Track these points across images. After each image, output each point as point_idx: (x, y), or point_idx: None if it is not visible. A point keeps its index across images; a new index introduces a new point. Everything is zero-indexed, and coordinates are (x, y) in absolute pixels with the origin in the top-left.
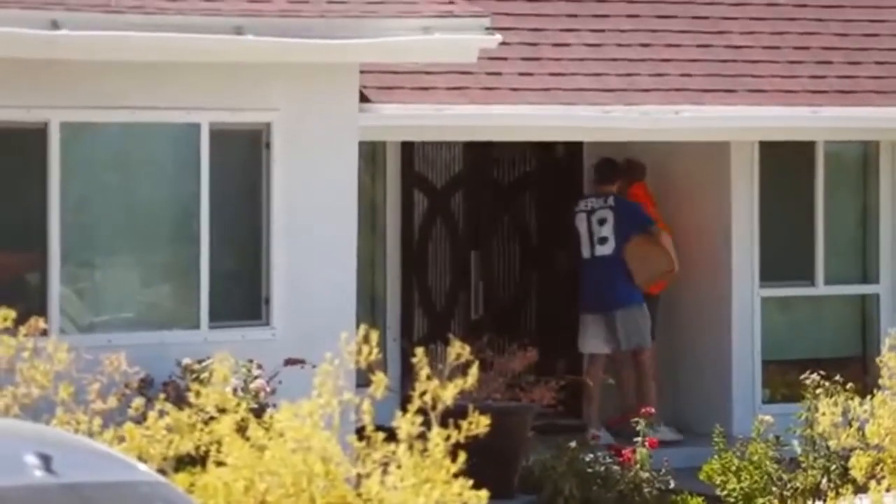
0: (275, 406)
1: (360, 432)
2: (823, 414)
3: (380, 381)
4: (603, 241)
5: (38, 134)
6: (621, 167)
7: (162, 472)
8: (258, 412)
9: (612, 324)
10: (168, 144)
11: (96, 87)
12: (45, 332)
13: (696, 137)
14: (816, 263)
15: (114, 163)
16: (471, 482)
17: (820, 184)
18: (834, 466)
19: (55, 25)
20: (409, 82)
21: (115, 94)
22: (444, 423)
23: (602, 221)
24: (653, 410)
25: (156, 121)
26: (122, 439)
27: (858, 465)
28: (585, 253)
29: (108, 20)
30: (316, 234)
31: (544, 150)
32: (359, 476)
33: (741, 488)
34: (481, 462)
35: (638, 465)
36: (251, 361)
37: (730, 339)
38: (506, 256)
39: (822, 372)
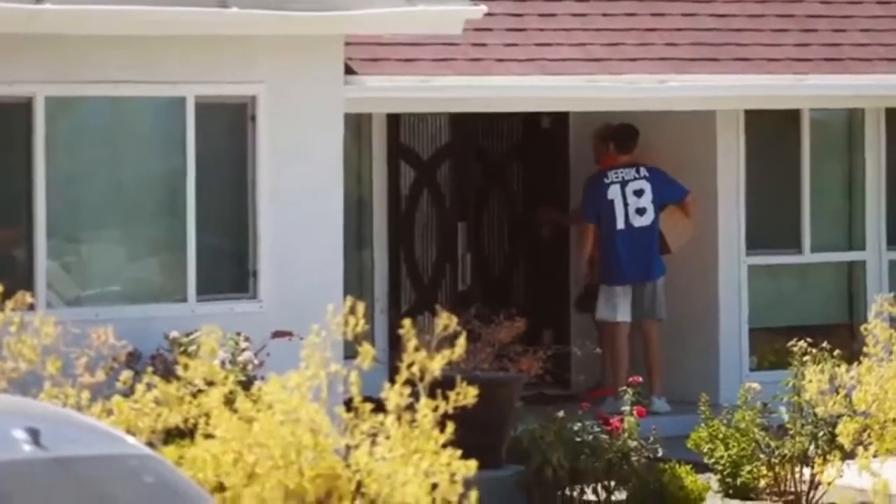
0: (263, 378)
1: (349, 404)
2: (810, 381)
3: (367, 352)
4: (641, 211)
5: (22, 108)
6: (625, 133)
7: (150, 444)
8: (246, 385)
9: (644, 293)
10: (154, 118)
11: (81, 61)
12: (31, 307)
13: (682, 107)
14: (803, 231)
15: (99, 137)
16: (459, 452)
17: (806, 151)
18: (821, 433)
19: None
20: (395, 54)
21: (100, 67)
22: (432, 394)
23: (639, 193)
24: (640, 380)
25: (141, 94)
26: (110, 413)
27: (845, 431)
28: (620, 224)
29: None
30: (302, 206)
31: (530, 121)
32: (347, 447)
33: (729, 456)
34: (469, 432)
35: (626, 434)
36: (239, 334)
37: (717, 308)
38: (493, 227)
39: (808, 339)
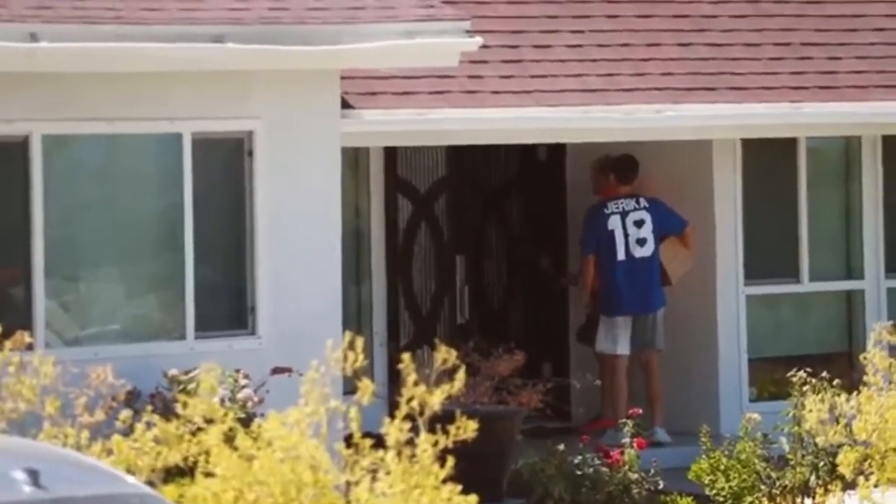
0: (262, 415)
1: (348, 440)
2: (810, 411)
3: (366, 387)
4: (642, 242)
5: (19, 147)
6: (626, 164)
7: (151, 484)
8: (246, 422)
9: (645, 324)
10: (150, 155)
11: (77, 98)
12: (30, 347)
13: (678, 136)
14: (801, 260)
15: (97, 174)
16: (460, 487)
17: (803, 180)
18: (822, 463)
19: (34, 38)
20: (391, 87)
21: (96, 105)
22: (431, 429)
23: (639, 223)
24: (640, 411)
25: (137, 132)
26: (110, 452)
27: (846, 461)
28: (620, 255)
29: (87, 31)
30: (300, 241)
31: (527, 153)
32: (348, 483)
33: (730, 487)
34: (470, 467)
35: (626, 467)
36: (238, 371)
37: (715, 338)
38: (491, 260)
39: (808, 369)
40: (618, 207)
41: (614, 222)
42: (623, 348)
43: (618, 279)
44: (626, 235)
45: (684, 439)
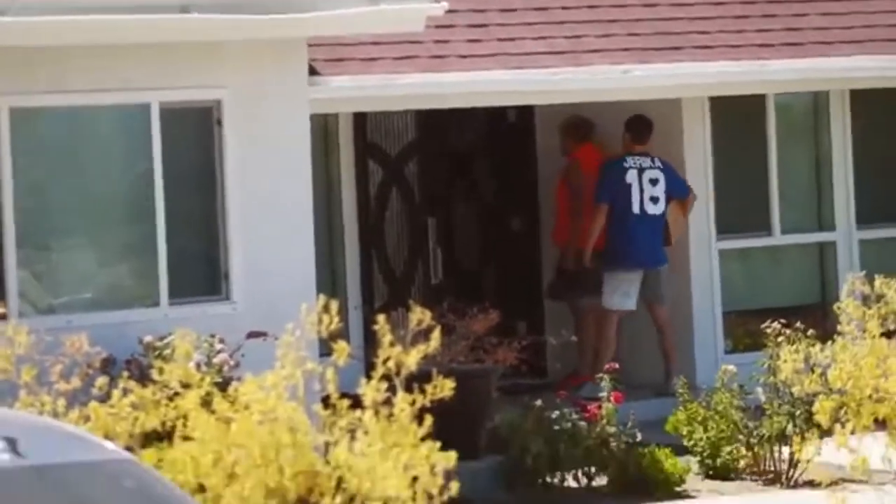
0: (239, 379)
1: (326, 401)
2: (785, 361)
3: (342, 349)
4: (655, 200)
5: None
6: (641, 123)
7: (129, 449)
8: (222, 386)
9: (655, 279)
10: (120, 125)
11: (45, 71)
12: (4, 317)
13: (646, 96)
14: (772, 214)
15: (66, 146)
16: (438, 445)
17: (772, 136)
18: (798, 412)
19: (0, 12)
20: (358, 53)
21: (64, 77)
22: (408, 388)
23: (654, 182)
24: (617, 366)
25: (106, 103)
26: (87, 419)
27: (822, 409)
28: (636, 208)
29: (54, 4)
30: (272, 207)
31: (496, 115)
32: (326, 444)
33: (708, 438)
34: (448, 425)
35: (604, 421)
36: (213, 336)
37: (689, 293)
38: (463, 222)
39: (782, 320)
40: (636, 163)
41: (632, 176)
42: (632, 304)
43: (632, 232)
44: (641, 191)
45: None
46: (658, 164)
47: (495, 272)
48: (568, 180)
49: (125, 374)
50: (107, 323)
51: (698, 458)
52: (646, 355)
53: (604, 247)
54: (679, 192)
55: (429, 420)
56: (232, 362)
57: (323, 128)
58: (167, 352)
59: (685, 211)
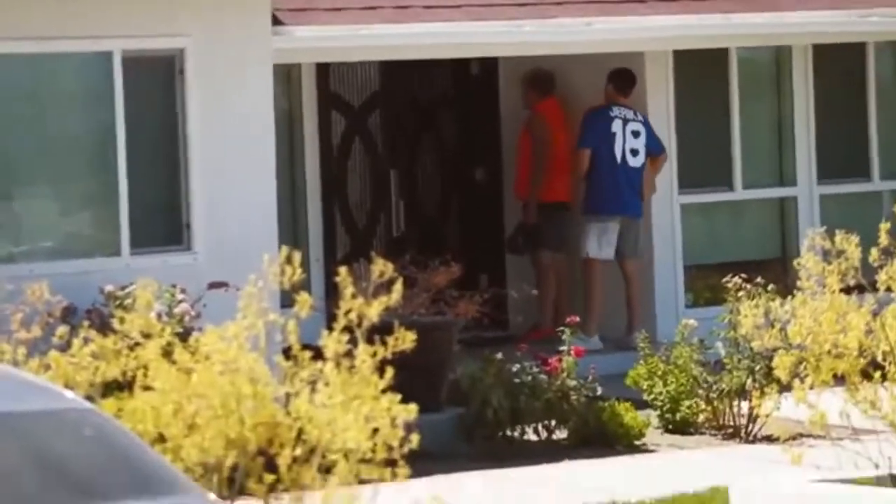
0: (200, 329)
1: (287, 352)
2: (746, 316)
3: (304, 300)
4: (635, 153)
5: None
6: (625, 76)
7: (89, 398)
8: (183, 336)
9: (633, 229)
10: (81, 73)
11: (5, 17)
12: None
13: (609, 49)
14: (734, 169)
15: (27, 94)
16: (399, 397)
17: (735, 90)
18: (758, 367)
19: None
20: (322, 3)
21: (25, 24)
22: (370, 340)
23: (636, 134)
24: (577, 319)
25: (68, 50)
26: (47, 367)
27: (782, 364)
28: (619, 157)
29: None
30: (234, 157)
31: (460, 68)
32: (287, 395)
33: (668, 392)
34: (409, 377)
35: (564, 374)
36: (174, 286)
37: (651, 246)
38: (426, 174)
39: (743, 275)
40: (620, 113)
41: (617, 125)
42: (612, 253)
43: (615, 180)
44: (624, 141)
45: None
46: (640, 117)
47: (458, 225)
48: (531, 133)
49: (86, 323)
50: (68, 272)
51: (658, 412)
52: (608, 311)
53: (568, 197)
54: (655, 148)
55: (390, 372)
56: (193, 312)
57: (286, 78)
58: (128, 301)
59: (655, 170)
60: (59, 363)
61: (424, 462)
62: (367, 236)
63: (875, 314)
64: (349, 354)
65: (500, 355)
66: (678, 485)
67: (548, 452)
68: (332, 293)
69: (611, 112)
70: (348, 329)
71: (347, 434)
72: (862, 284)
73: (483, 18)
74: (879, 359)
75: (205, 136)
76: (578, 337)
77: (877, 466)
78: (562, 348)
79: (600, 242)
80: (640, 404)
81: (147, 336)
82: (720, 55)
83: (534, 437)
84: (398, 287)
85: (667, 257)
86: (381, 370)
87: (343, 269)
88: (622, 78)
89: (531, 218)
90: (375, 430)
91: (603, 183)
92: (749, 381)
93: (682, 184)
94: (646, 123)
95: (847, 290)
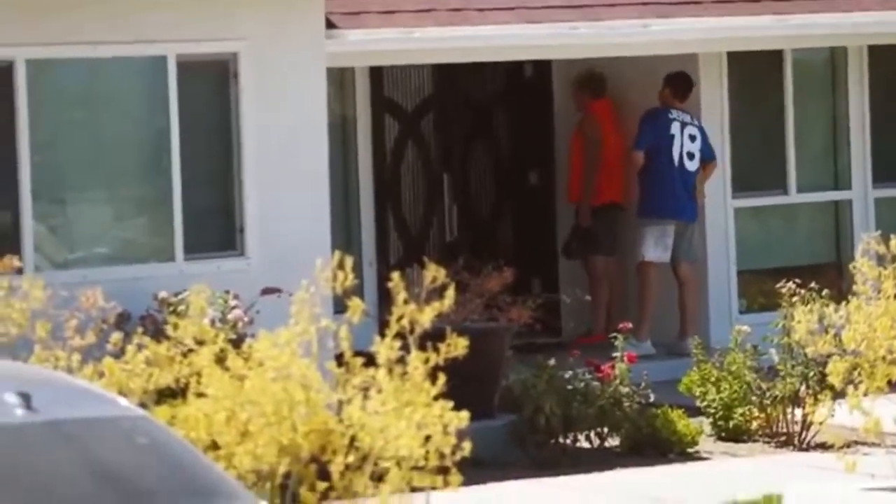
0: (253, 336)
1: (339, 358)
2: (800, 322)
3: (356, 306)
4: (691, 156)
5: (3, 72)
6: (683, 80)
7: (142, 405)
8: (236, 342)
9: (691, 233)
10: (136, 78)
11: (60, 23)
12: (20, 271)
13: (664, 51)
14: (788, 172)
15: (82, 98)
16: (451, 404)
17: (789, 92)
18: (812, 373)
19: None
20: (375, 6)
21: (80, 29)
22: (422, 347)
23: (693, 138)
24: (630, 325)
25: (122, 55)
26: (101, 374)
27: (835, 370)
28: (676, 160)
29: None
30: (287, 162)
31: (513, 70)
32: (340, 402)
33: (721, 398)
34: (461, 383)
35: (617, 381)
36: (227, 292)
37: (704, 251)
38: (479, 178)
39: (797, 280)
40: (678, 116)
41: (675, 128)
42: (668, 256)
43: (671, 182)
44: (681, 145)
45: (675, 352)
46: (696, 122)
47: (511, 229)
48: (583, 135)
49: (139, 329)
50: (122, 278)
51: (711, 419)
52: (660, 315)
53: (621, 199)
54: (709, 154)
55: (442, 379)
56: (246, 319)
57: (339, 82)
58: (182, 308)
59: (705, 177)
60: (113, 370)
61: (477, 469)
62: (419, 241)
63: None
64: (401, 361)
65: (552, 361)
66: (731, 493)
67: (600, 460)
68: (384, 299)
69: (670, 114)
70: (401, 335)
71: (400, 441)
72: None
73: (536, 21)
74: None
75: (258, 140)
76: (630, 342)
77: None
78: (614, 354)
79: (657, 245)
80: (693, 411)
81: (200, 342)
82: (774, 57)
83: (586, 445)
84: (450, 293)
85: (720, 262)
86: (433, 377)
87: (396, 275)
88: (680, 82)
89: (585, 220)
90: (428, 438)
91: (660, 185)
92: (803, 387)
93: (735, 187)
94: (701, 128)
95: None
